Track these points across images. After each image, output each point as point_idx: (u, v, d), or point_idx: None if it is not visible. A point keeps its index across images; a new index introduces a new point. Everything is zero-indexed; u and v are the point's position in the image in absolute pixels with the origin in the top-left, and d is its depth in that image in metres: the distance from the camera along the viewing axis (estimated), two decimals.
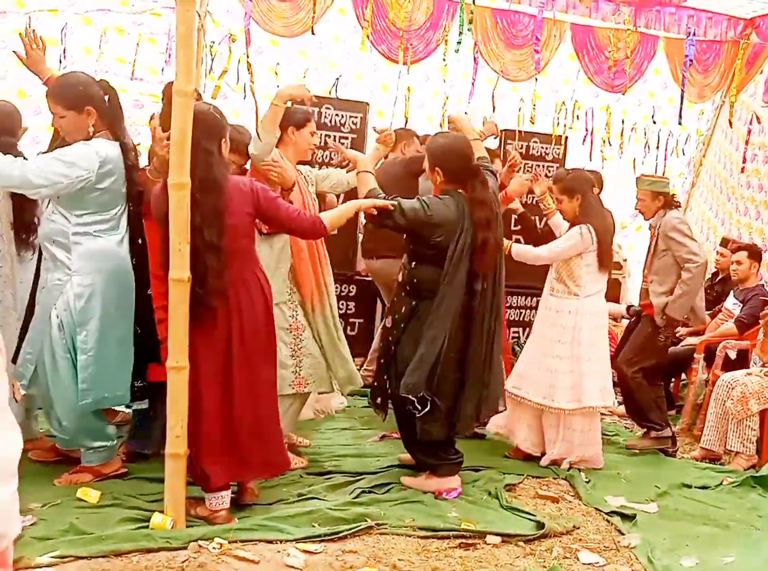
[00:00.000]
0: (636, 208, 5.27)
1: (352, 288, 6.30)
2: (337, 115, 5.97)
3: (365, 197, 3.85)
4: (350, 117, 5.95)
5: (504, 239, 4.22)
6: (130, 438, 4.12)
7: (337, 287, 6.27)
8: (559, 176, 4.87)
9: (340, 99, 6.29)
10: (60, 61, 5.56)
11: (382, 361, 4.08)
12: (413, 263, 3.93)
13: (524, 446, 4.70)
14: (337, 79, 6.25)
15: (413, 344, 3.84)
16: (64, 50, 5.68)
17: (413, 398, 3.75)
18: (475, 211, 3.83)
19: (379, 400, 4.08)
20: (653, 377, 5.10)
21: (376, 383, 4.11)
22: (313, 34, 5.14)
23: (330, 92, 6.40)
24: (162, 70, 6.14)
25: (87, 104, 3.53)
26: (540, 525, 3.63)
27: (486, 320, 3.89)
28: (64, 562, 2.89)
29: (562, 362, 4.60)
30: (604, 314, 4.81)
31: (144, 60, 6.26)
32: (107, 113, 3.62)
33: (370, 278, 6.21)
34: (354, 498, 3.81)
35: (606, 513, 3.94)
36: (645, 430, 5.13)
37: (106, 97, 3.66)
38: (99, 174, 3.48)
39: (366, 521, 3.50)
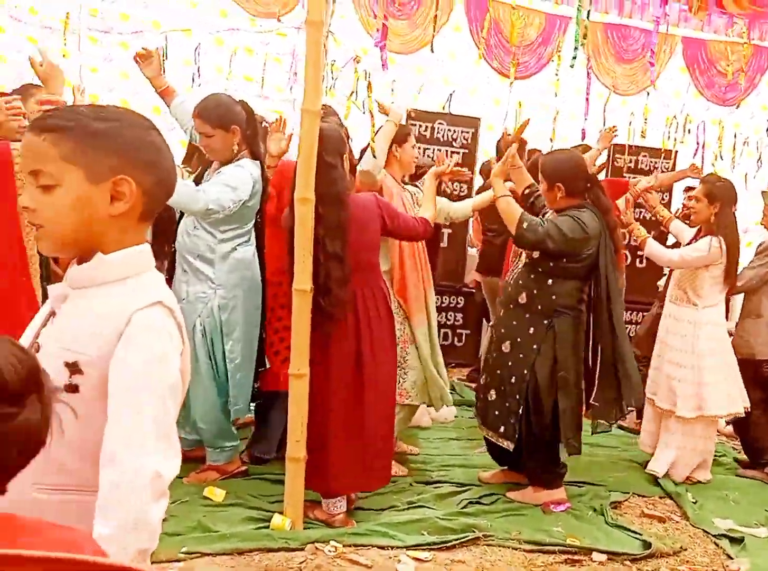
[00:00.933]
0: (761, 224, 5.00)
1: (460, 300, 6.25)
2: (449, 130, 5.94)
3: (524, 194, 3.88)
4: (462, 132, 5.91)
5: (641, 228, 4.22)
6: (253, 443, 4.19)
7: (444, 299, 6.26)
8: (709, 179, 4.63)
9: (453, 114, 6.25)
10: (193, 80, 5.73)
11: (500, 388, 3.90)
12: (550, 281, 3.79)
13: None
14: (451, 94, 6.20)
15: (552, 363, 3.76)
16: (198, 69, 5.84)
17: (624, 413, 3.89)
18: (605, 219, 3.82)
19: (503, 428, 3.88)
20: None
21: (496, 412, 3.91)
22: (432, 51, 5.12)
23: (443, 107, 6.37)
24: (290, 88, 6.23)
25: (233, 124, 3.62)
26: (647, 545, 3.51)
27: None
28: (192, 558, 2.97)
29: (681, 371, 4.44)
30: (723, 324, 4.59)
31: (270, 79, 6.37)
32: (248, 133, 3.72)
33: (473, 290, 6.14)
34: (461, 508, 3.77)
35: (714, 535, 3.77)
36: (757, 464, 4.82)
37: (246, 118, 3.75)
38: (251, 193, 3.61)
39: (473, 532, 3.48)
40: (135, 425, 1.27)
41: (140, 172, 1.35)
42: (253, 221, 3.78)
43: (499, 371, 3.88)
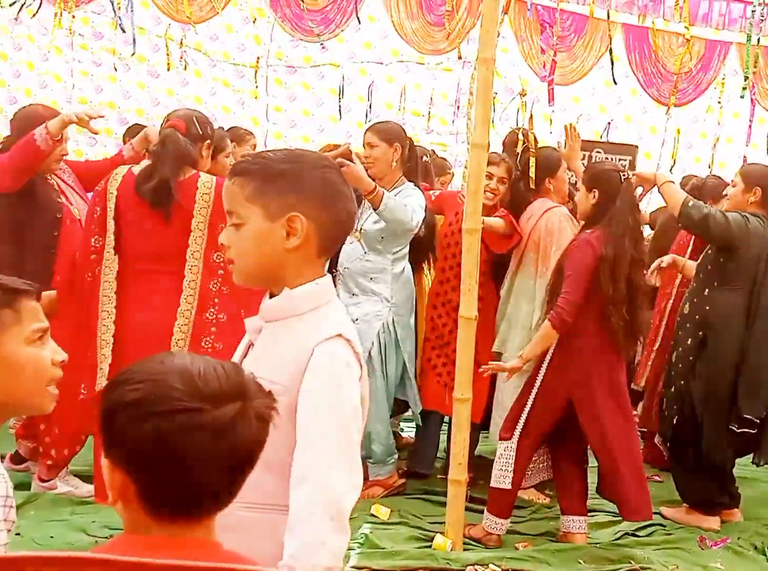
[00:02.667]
0: None
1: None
2: (606, 157, 5.67)
3: (683, 200, 3.58)
4: (619, 160, 5.63)
5: None
6: (412, 457, 4.14)
7: None
8: None
9: (610, 142, 6.00)
10: (366, 115, 5.81)
11: (663, 397, 3.84)
12: (706, 291, 3.64)
13: None
14: (609, 123, 5.95)
15: (704, 381, 3.59)
16: (370, 106, 5.93)
17: (749, 423, 3.55)
18: None
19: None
20: None
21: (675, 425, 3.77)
22: (615, 83, 4.89)
23: (600, 136, 6.12)
24: (452, 121, 6.21)
25: (396, 141, 3.69)
26: None
27: None
28: None
29: None
30: None
31: (436, 112, 6.39)
32: (408, 164, 3.77)
33: None
34: (617, 539, 3.56)
35: None
36: None
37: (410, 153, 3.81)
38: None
39: (630, 563, 3.26)
40: (322, 449, 1.30)
41: (313, 210, 1.39)
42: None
43: (664, 381, 3.87)
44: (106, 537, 3.02)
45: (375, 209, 3.43)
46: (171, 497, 0.96)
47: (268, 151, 1.52)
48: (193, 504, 0.98)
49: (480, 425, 3.91)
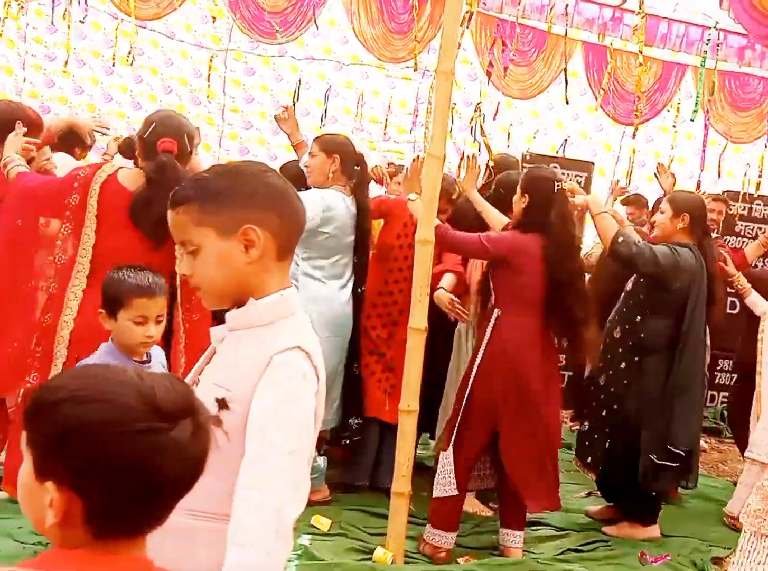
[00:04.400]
0: None
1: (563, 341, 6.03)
2: (563, 173, 5.77)
3: (613, 237, 3.63)
4: (575, 176, 5.74)
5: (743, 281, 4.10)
6: (345, 471, 4.04)
7: None
8: None
9: (567, 158, 6.10)
10: (322, 120, 5.81)
11: (592, 419, 3.85)
12: (638, 318, 3.71)
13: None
14: (565, 140, 6.05)
15: (641, 401, 3.65)
16: (326, 110, 5.93)
17: (680, 453, 3.62)
18: (709, 266, 3.73)
19: (589, 459, 3.86)
20: None
21: (587, 443, 3.88)
22: (567, 103, 5.02)
23: (557, 152, 6.22)
24: (410, 130, 6.25)
25: (335, 153, 3.66)
26: None
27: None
28: None
29: None
30: None
31: (394, 120, 6.42)
32: (351, 173, 3.73)
33: None
34: (558, 554, 3.60)
35: None
36: None
37: (358, 167, 3.77)
38: (322, 218, 3.56)
39: None
40: (270, 460, 1.29)
41: (264, 217, 1.39)
42: (345, 258, 3.76)
43: (594, 403, 3.85)
44: (33, 543, 2.94)
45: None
46: (121, 518, 0.94)
47: (202, 172, 1.52)
48: (141, 523, 0.97)
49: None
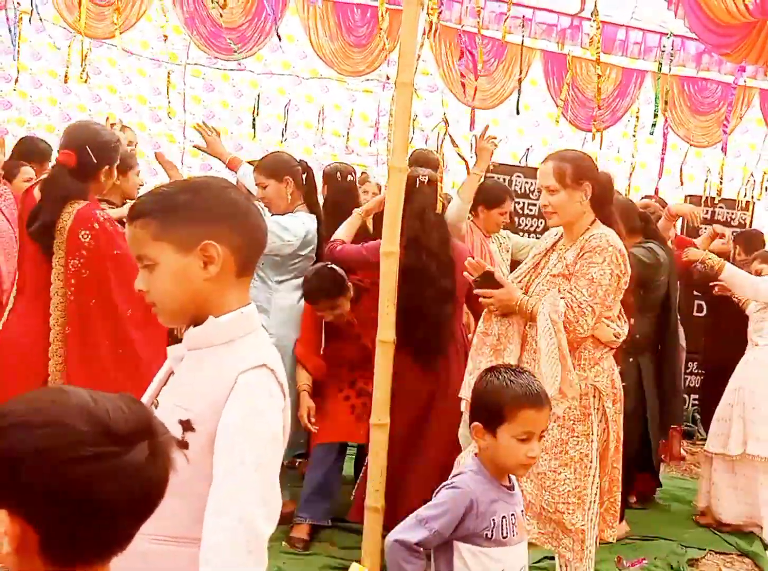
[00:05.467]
0: None
1: None
2: (526, 182, 5.83)
3: None
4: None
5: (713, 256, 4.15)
6: (304, 511, 3.58)
7: None
8: None
9: (530, 167, 6.16)
10: (282, 134, 5.82)
11: None
12: (630, 320, 3.78)
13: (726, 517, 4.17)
14: (528, 149, 6.12)
15: (638, 399, 3.75)
16: (286, 125, 5.93)
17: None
18: (675, 261, 3.95)
19: None
20: None
21: None
22: (518, 113, 5.09)
23: (519, 161, 6.29)
24: (370, 142, 6.28)
25: (286, 175, 3.57)
26: None
27: None
28: None
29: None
30: None
31: (355, 133, 6.45)
32: (303, 187, 3.68)
33: None
34: (536, 562, 3.58)
35: None
36: None
37: (305, 175, 3.70)
38: (303, 242, 3.54)
39: None
40: (240, 480, 1.27)
41: (224, 233, 1.37)
42: None
43: None
44: None
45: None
46: (78, 545, 0.92)
47: (161, 186, 1.52)
48: (99, 550, 0.94)
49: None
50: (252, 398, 1.33)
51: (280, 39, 5.21)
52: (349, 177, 4.19)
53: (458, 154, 3.54)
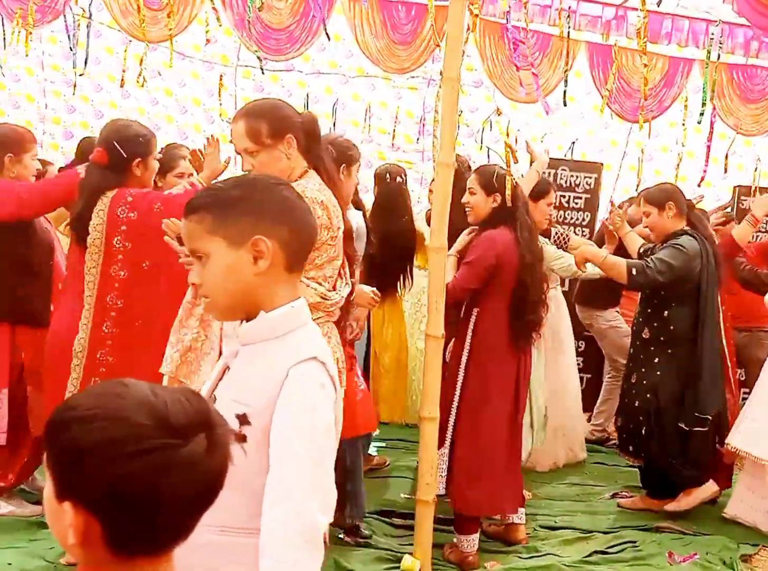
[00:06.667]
0: None
1: (581, 343, 5.92)
2: (572, 175, 5.68)
3: (627, 271, 3.71)
4: (585, 178, 5.64)
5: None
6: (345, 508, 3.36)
7: None
8: None
9: (576, 160, 6.01)
10: (330, 131, 5.77)
11: (628, 413, 3.95)
12: (666, 312, 3.79)
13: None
14: (573, 142, 5.96)
15: (673, 386, 3.77)
16: (334, 123, 5.90)
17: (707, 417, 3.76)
18: (713, 247, 3.82)
19: (631, 448, 3.98)
20: None
21: (625, 434, 4.01)
22: (565, 105, 4.98)
23: (565, 154, 6.14)
24: (416, 140, 6.21)
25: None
26: None
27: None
28: None
29: None
30: None
31: (401, 130, 6.39)
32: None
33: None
34: (586, 557, 3.51)
35: None
36: None
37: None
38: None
39: None
40: (295, 471, 1.29)
41: (274, 229, 1.38)
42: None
43: (627, 399, 3.97)
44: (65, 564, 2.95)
45: None
46: (140, 536, 0.92)
47: (217, 182, 1.54)
48: (161, 540, 0.95)
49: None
50: (303, 391, 1.34)
51: (329, 38, 5.18)
52: (398, 178, 4.19)
53: (511, 150, 3.47)
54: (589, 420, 5.30)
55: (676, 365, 3.79)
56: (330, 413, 1.38)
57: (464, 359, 3.34)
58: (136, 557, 0.93)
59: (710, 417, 3.75)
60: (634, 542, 3.71)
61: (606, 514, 4.06)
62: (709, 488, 3.93)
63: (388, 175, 4.20)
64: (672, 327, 3.79)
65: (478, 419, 3.31)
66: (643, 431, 3.85)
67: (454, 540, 3.41)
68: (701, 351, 3.75)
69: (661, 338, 3.82)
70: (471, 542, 3.33)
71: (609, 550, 3.61)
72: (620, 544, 3.67)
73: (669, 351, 3.79)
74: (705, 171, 4.91)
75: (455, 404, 3.33)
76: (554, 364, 4.41)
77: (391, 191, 4.12)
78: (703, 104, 4.92)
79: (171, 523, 0.94)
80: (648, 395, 3.83)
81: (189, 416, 0.93)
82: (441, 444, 3.30)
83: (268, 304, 1.40)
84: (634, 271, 3.67)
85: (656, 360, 3.83)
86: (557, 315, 4.42)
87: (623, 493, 4.32)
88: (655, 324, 3.84)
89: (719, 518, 4.09)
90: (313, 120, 2.51)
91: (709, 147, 5.02)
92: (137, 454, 0.89)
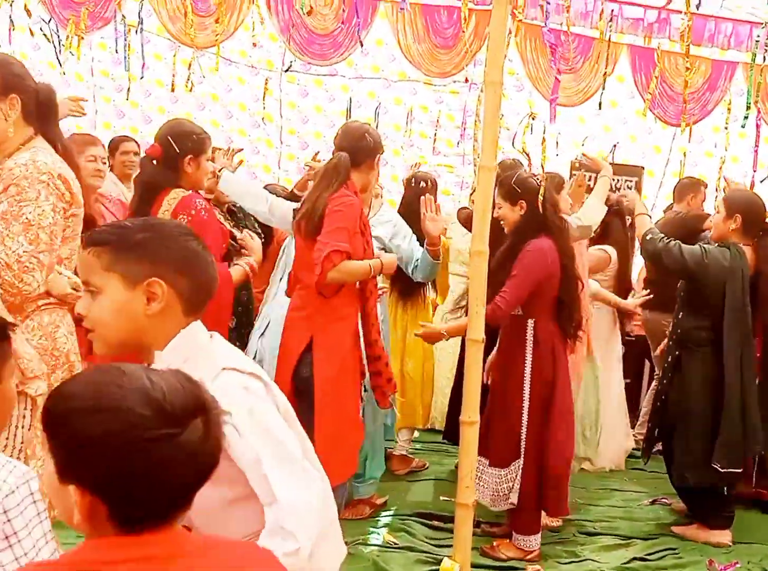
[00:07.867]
0: None
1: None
2: (613, 179, 5.53)
3: (644, 233, 3.67)
4: (626, 181, 5.50)
5: None
6: None
7: None
8: None
9: (616, 164, 5.86)
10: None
11: (659, 419, 3.84)
12: (680, 314, 3.68)
13: None
14: (615, 145, 5.82)
15: (680, 394, 3.62)
16: (376, 126, 5.85)
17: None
18: (762, 266, 3.58)
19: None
20: None
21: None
22: (600, 108, 4.87)
23: (606, 158, 5.98)
24: (457, 143, 6.14)
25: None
26: None
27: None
28: None
29: None
30: None
31: (442, 134, 6.32)
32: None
33: (634, 338, 5.57)
34: (625, 563, 3.41)
35: None
36: None
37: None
38: None
39: None
40: (267, 475, 1.32)
41: (172, 276, 1.39)
42: None
43: (658, 403, 3.83)
44: None
45: None
46: (143, 512, 0.97)
47: (125, 221, 1.56)
48: (163, 515, 0.99)
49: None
50: (232, 402, 1.28)
51: (362, 45, 5.15)
52: (422, 184, 4.17)
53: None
54: (632, 426, 5.15)
55: (686, 373, 3.61)
56: (269, 407, 1.38)
57: (528, 369, 3.28)
58: (142, 530, 0.97)
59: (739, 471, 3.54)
60: (674, 549, 3.60)
61: (645, 520, 3.95)
62: (722, 535, 3.65)
63: (413, 181, 4.25)
64: (679, 330, 3.67)
65: (548, 425, 3.30)
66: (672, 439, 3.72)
67: (494, 543, 3.38)
68: (722, 387, 3.48)
69: (673, 336, 3.73)
70: (533, 541, 3.36)
71: (648, 556, 3.51)
72: (660, 551, 3.57)
73: (676, 353, 3.67)
74: (753, 178, 4.72)
75: (524, 416, 3.29)
76: (604, 371, 4.35)
77: (415, 195, 4.07)
78: (748, 108, 4.74)
79: (172, 499, 0.98)
80: (659, 404, 3.77)
81: (185, 402, 0.96)
82: (512, 457, 3.28)
83: (162, 342, 1.39)
84: (648, 237, 3.62)
85: (669, 359, 3.73)
86: (607, 326, 4.45)
87: (662, 499, 4.20)
88: (674, 321, 3.76)
89: (761, 526, 3.96)
90: (49, 91, 2.33)
91: (756, 151, 4.84)
92: (136, 443, 0.92)
